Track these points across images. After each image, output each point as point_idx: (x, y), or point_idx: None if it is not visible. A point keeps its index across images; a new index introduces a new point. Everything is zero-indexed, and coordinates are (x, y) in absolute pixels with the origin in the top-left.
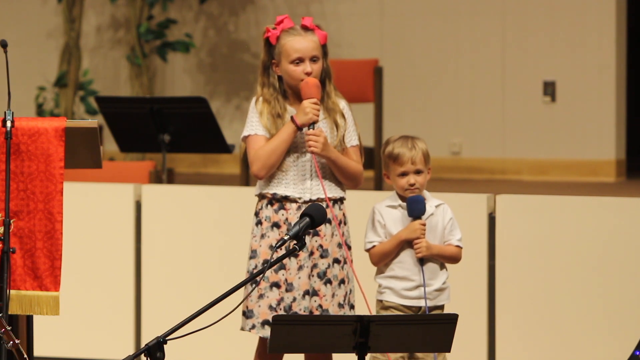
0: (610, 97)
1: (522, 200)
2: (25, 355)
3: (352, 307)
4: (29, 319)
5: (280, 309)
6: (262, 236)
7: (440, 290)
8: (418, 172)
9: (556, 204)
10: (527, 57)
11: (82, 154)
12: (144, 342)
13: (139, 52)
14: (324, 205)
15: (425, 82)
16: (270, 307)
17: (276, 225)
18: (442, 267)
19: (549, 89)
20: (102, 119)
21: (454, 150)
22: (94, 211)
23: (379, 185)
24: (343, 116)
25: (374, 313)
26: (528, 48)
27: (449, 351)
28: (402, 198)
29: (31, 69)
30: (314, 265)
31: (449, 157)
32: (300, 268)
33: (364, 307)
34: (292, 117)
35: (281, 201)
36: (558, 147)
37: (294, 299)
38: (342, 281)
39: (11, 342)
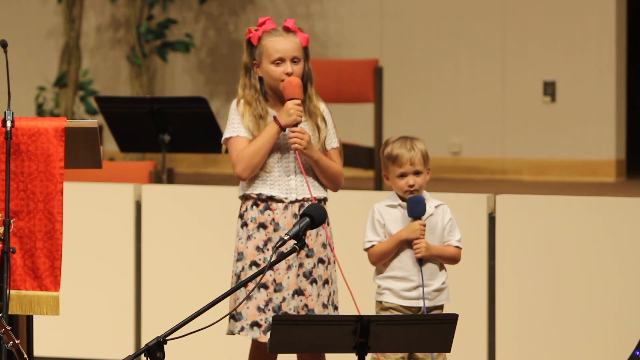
0: (610, 97)
1: (522, 200)
2: (25, 355)
3: (335, 307)
4: (29, 319)
5: (269, 310)
6: (248, 237)
7: (439, 290)
8: (417, 173)
9: (556, 204)
10: (527, 57)
11: (82, 154)
12: (144, 342)
13: (139, 52)
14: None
15: (425, 82)
16: (259, 309)
17: (262, 225)
18: (442, 267)
19: (549, 89)
20: (102, 119)
21: (454, 150)
22: (94, 211)
23: (379, 185)
24: (324, 119)
25: (370, 313)
26: (528, 48)
27: (449, 351)
28: (401, 198)
29: (31, 69)
30: (300, 265)
31: (449, 157)
32: (288, 268)
33: (352, 308)
34: (275, 117)
35: (267, 201)
36: (558, 147)
37: (284, 299)
38: (326, 281)
39: (11, 342)
